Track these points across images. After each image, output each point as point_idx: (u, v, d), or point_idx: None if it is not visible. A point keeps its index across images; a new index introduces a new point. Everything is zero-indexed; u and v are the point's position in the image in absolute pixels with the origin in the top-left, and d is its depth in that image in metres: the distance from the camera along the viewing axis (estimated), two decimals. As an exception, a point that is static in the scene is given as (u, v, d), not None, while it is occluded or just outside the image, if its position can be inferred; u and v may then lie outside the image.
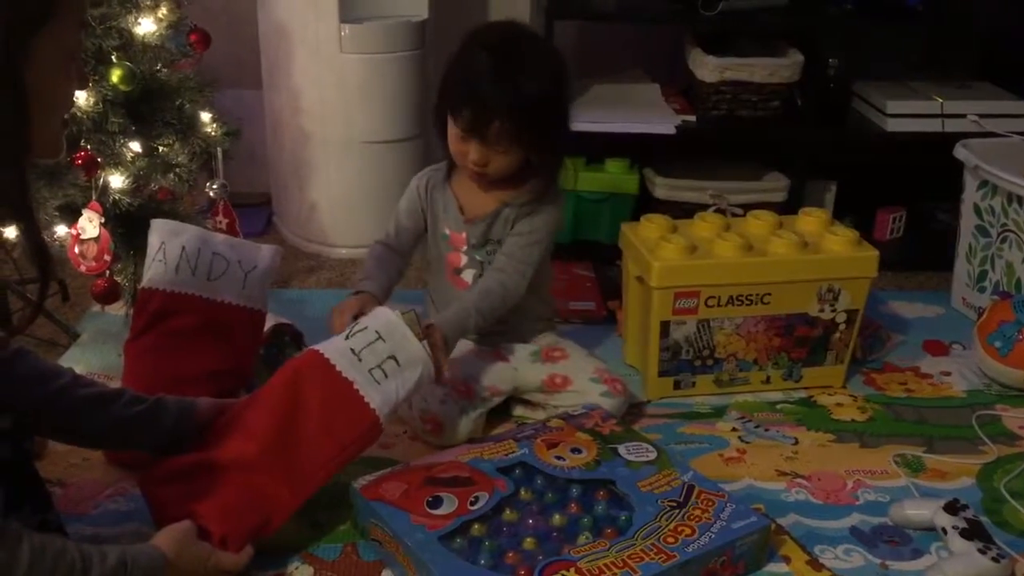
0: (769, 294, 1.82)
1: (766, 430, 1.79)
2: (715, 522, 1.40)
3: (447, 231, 1.79)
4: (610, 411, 1.72)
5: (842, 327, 1.88)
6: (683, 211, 2.27)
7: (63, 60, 1.09)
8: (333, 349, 1.49)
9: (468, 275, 1.80)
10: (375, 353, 1.47)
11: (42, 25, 1.04)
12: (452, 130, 1.68)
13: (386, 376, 1.46)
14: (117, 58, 1.80)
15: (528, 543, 1.36)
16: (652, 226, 1.88)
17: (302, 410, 1.45)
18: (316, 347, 1.50)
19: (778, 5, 2.37)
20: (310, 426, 1.44)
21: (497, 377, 1.76)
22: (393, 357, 1.47)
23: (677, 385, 1.88)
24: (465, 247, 1.78)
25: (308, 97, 2.36)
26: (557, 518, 1.41)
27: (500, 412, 1.78)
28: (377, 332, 1.49)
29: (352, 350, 1.47)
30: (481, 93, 1.62)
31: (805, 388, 1.93)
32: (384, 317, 1.52)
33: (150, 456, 1.49)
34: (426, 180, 1.82)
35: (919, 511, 1.52)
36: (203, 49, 2.02)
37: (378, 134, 2.38)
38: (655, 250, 1.80)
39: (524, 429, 1.64)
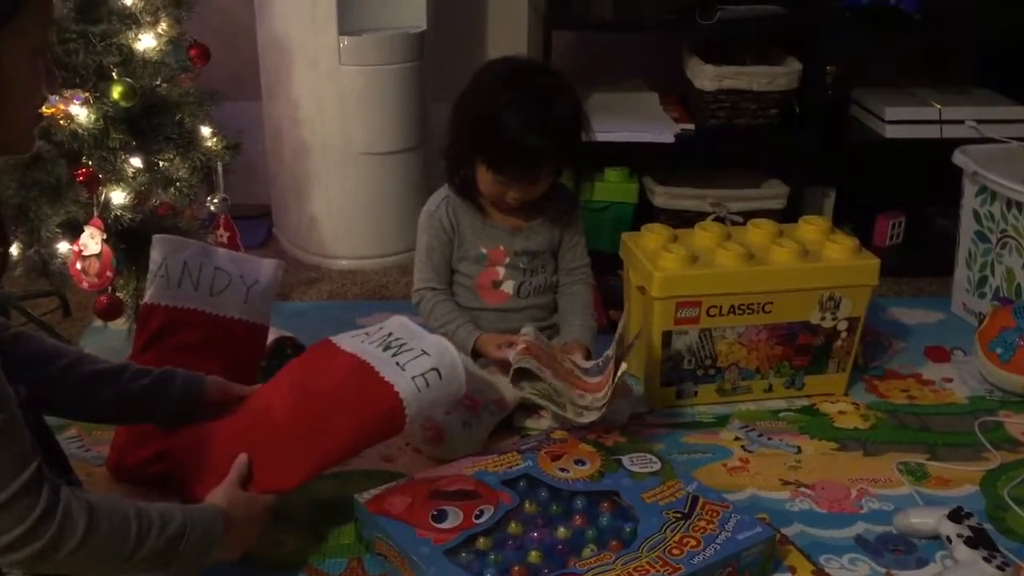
0: (770, 303, 1.82)
1: (769, 439, 1.79)
2: (720, 533, 1.40)
3: (484, 250, 1.79)
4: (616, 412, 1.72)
5: (844, 335, 1.89)
6: (683, 220, 2.28)
7: (30, 55, 1.12)
8: (350, 340, 1.50)
9: (508, 286, 1.82)
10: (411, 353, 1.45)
11: (7, 20, 1.07)
12: (486, 177, 1.70)
13: (417, 373, 1.42)
14: (117, 74, 1.81)
15: (533, 556, 1.36)
16: (653, 235, 1.89)
17: (318, 384, 1.44)
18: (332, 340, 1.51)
19: (776, 13, 2.38)
20: (326, 401, 1.42)
21: (506, 390, 1.76)
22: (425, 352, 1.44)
23: (679, 395, 1.88)
24: (507, 259, 1.80)
25: (307, 109, 2.37)
26: (562, 530, 1.41)
27: (504, 424, 1.78)
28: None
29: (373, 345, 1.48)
30: (524, 149, 1.64)
31: (807, 396, 1.93)
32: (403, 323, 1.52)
33: (152, 470, 1.49)
34: (445, 209, 1.80)
35: (923, 519, 1.52)
36: (203, 63, 2.02)
37: (377, 145, 2.39)
38: (656, 260, 1.81)
39: (528, 441, 1.64)
